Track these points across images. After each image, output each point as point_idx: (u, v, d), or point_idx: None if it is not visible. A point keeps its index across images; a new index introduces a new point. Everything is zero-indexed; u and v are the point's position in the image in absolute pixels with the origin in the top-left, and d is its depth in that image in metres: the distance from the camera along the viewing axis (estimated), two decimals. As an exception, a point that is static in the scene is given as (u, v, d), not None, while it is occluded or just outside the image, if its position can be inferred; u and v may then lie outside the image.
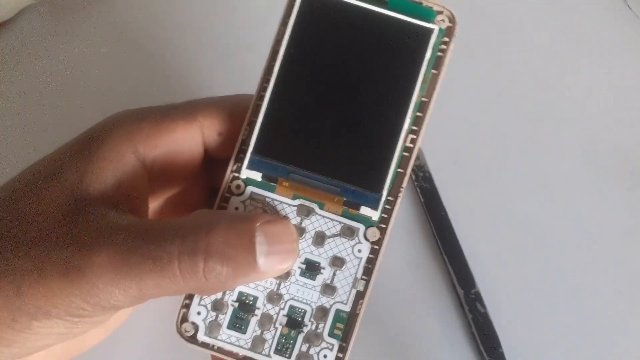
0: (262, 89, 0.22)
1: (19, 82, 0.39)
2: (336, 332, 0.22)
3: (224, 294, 0.22)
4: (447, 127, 0.38)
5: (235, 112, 0.24)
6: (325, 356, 0.22)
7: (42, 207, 0.20)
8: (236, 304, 0.22)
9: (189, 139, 0.23)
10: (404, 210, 0.36)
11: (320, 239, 0.22)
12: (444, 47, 0.22)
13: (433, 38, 0.22)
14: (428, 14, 0.22)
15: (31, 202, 0.21)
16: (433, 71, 0.22)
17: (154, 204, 0.27)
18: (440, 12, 0.22)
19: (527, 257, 0.35)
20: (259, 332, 0.22)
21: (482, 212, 0.36)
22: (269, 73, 0.22)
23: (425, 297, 0.34)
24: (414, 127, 0.22)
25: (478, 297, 0.33)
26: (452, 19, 0.22)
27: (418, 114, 0.22)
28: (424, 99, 0.22)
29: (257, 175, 0.22)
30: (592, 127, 0.39)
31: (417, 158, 0.37)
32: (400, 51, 0.22)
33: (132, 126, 0.23)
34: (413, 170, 0.36)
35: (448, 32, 0.22)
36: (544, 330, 0.33)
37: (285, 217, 0.22)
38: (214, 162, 0.25)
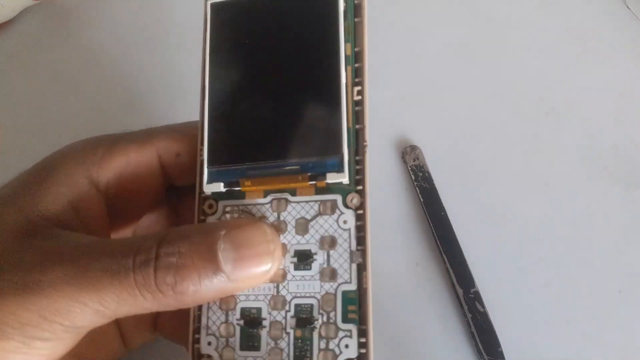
0: (202, 105, 0.22)
1: (19, 82, 0.39)
2: (350, 315, 0.20)
3: (227, 315, 0.21)
4: (446, 126, 0.39)
5: (191, 133, 0.24)
6: (347, 346, 0.19)
7: None
8: (242, 322, 0.21)
9: (144, 160, 0.23)
10: (404, 210, 0.36)
11: (302, 225, 0.21)
12: None
13: None
14: None
15: None
16: (356, 19, 0.22)
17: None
18: None
19: (526, 257, 0.35)
20: (272, 344, 0.20)
21: (481, 212, 0.36)
22: (203, 88, 0.22)
23: (425, 297, 0.34)
24: (357, 79, 0.21)
25: (477, 297, 0.33)
26: None
27: (356, 65, 0.21)
28: (357, 49, 0.21)
29: (219, 186, 0.22)
30: (592, 127, 0.39)
31: (417, 158, 0.37)
32: (314, 15, 0.22)
33: (85, 151, 0.23)
34: (412, 169, 0.36)
35: None
36: (543, 330, 0.33)
37: (262, 218, 0.22)
38: (179, 192, 0.25)
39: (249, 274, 0.20)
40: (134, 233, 0.27)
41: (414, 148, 0.37)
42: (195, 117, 0.24)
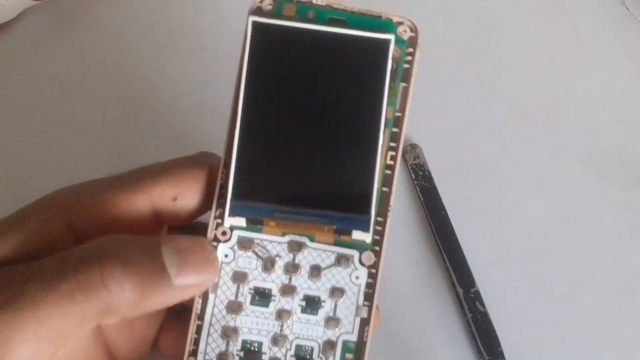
0: (232, 128, 0.22)
1: (20, 82, 0.39)
2: None
3: (227, 344, 0.22)
4: (447, 126, 0.39)
5: (190, 174, 0.22)
6: None
7: None
8: (242, 353, 0.22)
9: (135, 211, 0.21)
10: (404, 209, 0.36)
11: (316, 272, 0.22)
12: (409, 57, 0.22)
13: (391, 48, 0.21)
14: (388, 27, 0.22)
15: None
16: (402, 84, 0.22)
17: None
18: (401, 23, 0.22)
19: (526, 256, 0.35)
20: None
21: (482, 211, 0.36)
22: (235, 112, 0.21)
23: (425, 296, 0.34)
24: (392, 144, 0.22)
25: (477, 296, 0.33)
26: (414, 29, 0.22)
27: (394, 129, 0.22)
28: (397, 114, 0.22)
29: (241, 221, 0.22)
30: (591, 127, 0.39)
31: (417, 157, 0.37)
32: (362, 68, 0.21)
33: (69, 200, 0.21)
34: (413, 169, 0.36)
35: (411, 43, 0.22)
36: (543, 329, 0.33)
37: (276, 256, 0.22)
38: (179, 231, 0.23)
39: (193, 281, 0.20)
40: None
41: (414, 147, 0.37)
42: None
